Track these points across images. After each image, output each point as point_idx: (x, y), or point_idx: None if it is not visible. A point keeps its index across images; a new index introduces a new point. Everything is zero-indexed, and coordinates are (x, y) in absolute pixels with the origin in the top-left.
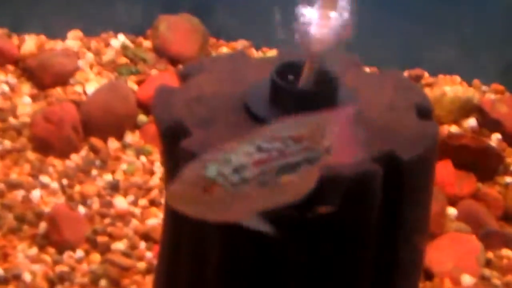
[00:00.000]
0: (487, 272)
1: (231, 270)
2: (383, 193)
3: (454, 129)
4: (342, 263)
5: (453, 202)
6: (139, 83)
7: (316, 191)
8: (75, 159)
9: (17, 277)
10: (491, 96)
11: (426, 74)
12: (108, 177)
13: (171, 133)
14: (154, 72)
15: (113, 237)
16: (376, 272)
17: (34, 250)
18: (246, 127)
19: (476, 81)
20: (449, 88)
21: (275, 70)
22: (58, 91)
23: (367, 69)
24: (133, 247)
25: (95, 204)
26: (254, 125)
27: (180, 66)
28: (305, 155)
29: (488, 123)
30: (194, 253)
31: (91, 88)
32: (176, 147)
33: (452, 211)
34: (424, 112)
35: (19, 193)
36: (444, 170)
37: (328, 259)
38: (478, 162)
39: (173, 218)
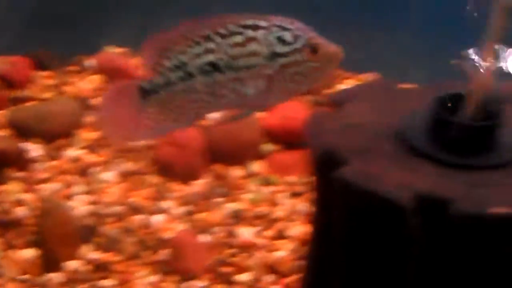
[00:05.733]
0: None
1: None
2: None
3: None
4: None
5: None
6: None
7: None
8: (198, 185)
9: None
10: None
11: None
12: (232, 205)
13: (325, 161)
14: None
15: (237, 268)
16: None
17: (155, 277)
18: (404, 158)
19: None
20: None
21: (436, 102)
22: None
23: None
24: (257, 279)
25: (218, 233)
26: (412, 156)
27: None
28: None
29: None
30: None
31: (215, 113)
32: (329, 175)
33: None
34: None
35: (139, 217)
36: None
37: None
38: None
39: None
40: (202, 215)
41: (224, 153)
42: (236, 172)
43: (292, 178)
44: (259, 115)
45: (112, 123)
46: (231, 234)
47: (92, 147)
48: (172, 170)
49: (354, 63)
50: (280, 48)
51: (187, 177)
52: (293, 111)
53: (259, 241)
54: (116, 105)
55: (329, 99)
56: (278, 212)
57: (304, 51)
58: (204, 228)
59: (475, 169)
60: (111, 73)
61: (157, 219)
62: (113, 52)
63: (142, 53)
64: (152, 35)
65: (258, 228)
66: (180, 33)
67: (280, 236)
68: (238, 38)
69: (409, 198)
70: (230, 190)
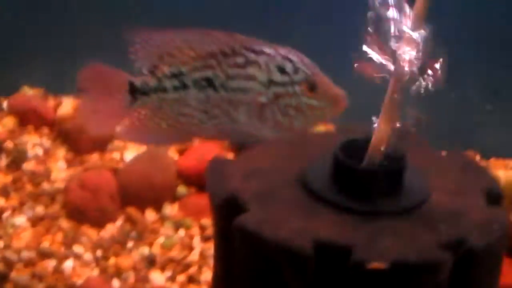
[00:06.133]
0: None
1: None
2: (450, 281)
3: None
4: None
5: None
6: (180, 152)
7: None
8: (111, 229)
9: None
10: None
11: (478, 157)
12: (145, 250)
13: (225, 207)
14: (196, 142)
15: None
16: None
17: None
18: (305, 205)
19: None
20: (502, 173)
21: (339, 148)
22: (94, 156)
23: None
24: None
25: (130, 278)
26: (313, 202)
27: None
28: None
29: None
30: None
31: (129, 155)
32: (230, 222)
33: None
34: (493, 197)
35: (51, 263)
36: None
37: None
38: None
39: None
40: (115, 260)
41: (138, 196)
42: (150, 215)
43: (206, 221)
44: (174, 156)
45: (93, 109)
46: (143, 279)
47: (3, 191)
48: (84, 214)
49: None
50: (278, 77)
51: (99, 221)
52: (207, 153)
53: (171, 286)
54: (100, 91)
55: (232, 143)
56: (191, 256)
57: (302, 86)
58: (116, 273)
59: (378, 215)
60: (26, 114)
61: (68, 265)
62: (28, 94)
63: (133, 42)
64: (149, 32)
65: (171, 273)
66: (184, 41)
67: (192, 280)
68: (240, 59)
69: (307, 246)
70: (143, 234)
